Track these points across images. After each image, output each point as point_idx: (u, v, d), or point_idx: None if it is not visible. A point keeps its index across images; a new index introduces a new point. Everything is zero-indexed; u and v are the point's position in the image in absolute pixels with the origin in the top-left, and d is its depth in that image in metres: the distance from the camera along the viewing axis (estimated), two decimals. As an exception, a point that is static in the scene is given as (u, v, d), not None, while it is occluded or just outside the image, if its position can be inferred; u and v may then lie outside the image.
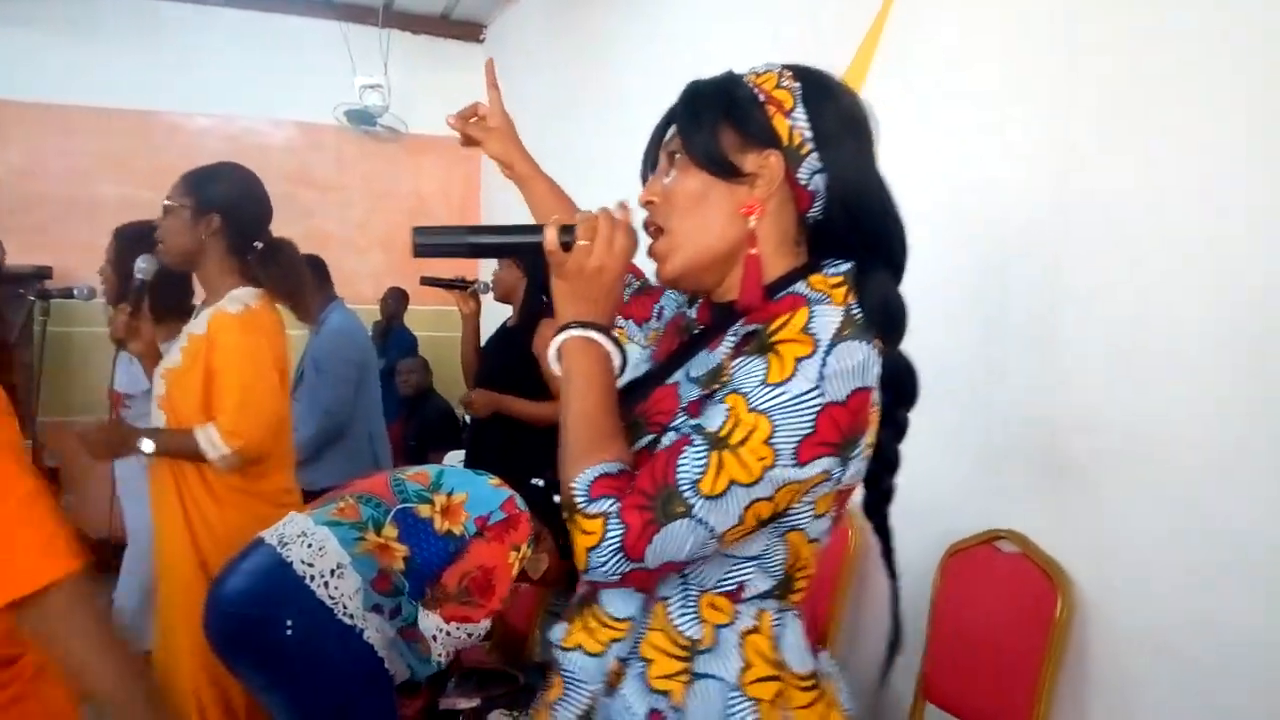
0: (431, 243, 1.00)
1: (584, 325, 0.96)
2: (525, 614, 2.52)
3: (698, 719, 0.92)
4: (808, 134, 0.97)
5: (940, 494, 2.28)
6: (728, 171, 0.97)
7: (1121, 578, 1.82)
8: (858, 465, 0.96)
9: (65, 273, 4.69)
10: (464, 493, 1.83)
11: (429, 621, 1.75)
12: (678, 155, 1.00)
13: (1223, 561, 1.63)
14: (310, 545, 1.51)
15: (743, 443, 0.85)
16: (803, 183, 0.98)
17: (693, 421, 0.90)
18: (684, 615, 0.95)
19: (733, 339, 0.98)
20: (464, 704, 2.17)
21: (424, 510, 1.79)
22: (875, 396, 0.93)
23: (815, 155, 0.97)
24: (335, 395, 3.15)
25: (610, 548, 0.86)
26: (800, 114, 0.97)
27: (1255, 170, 1.60)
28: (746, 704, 0.92)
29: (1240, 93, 1.62)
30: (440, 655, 1.77)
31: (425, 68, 5.96)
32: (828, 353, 0.87)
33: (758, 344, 0.91)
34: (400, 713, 1.76)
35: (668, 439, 0.91)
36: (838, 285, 0.95)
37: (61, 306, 4.33)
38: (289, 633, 1.36)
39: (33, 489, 1.00)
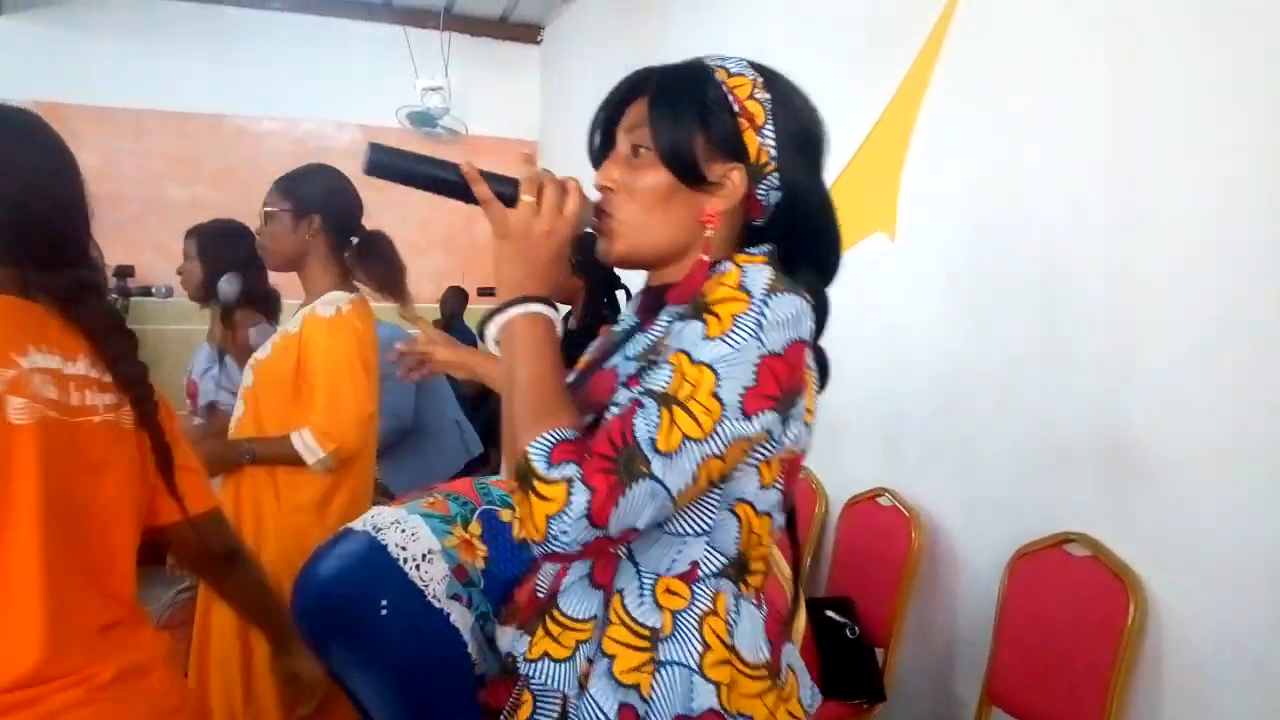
0: (386, 161, 0.93)
1: (525, 302, 0.92)
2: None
3: (665, 708, 0.91)
4: (773, 152, 0.98)
5: (1009, 496, 2.26)
6: (695, 180, 0.96)
7: (1195, 583, 1.79)
8: (798, 428, 0.95)
9: (140, 271, 4.84)
10: None
11: (506, 638, 1.76)
12: (643, 149, 0.97)
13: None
14: (404, 531, 1.54)
15: (690, 397, 0.84)
16: (759, 197, 0.99)
17: (638, 390, 0.88)
18: (641, 604, 0.94)
19: (667, 319, 0.98)
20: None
21: (505, 515, 1.81)
22: (809, 356, 0.93)
23: (775, 174, 0.98)
24: (396, 398, 3.21)
25: (575, 513, 0.81)
26: (769, 130, 0.97)
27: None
28: (708, 687, 0.92)
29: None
30: None
31: (484, 69, 6.04)
32: (764, 304, 0.87)
33: (693, 307, 0.90)
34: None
35: (614, 409, 0.88)
36: (763, 265, 0.97)
37: (139, 304, 4.48)
38: (384, 612, 1.39)
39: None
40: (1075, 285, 2.06)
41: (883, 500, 2.61)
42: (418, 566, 1.50)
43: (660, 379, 0.86)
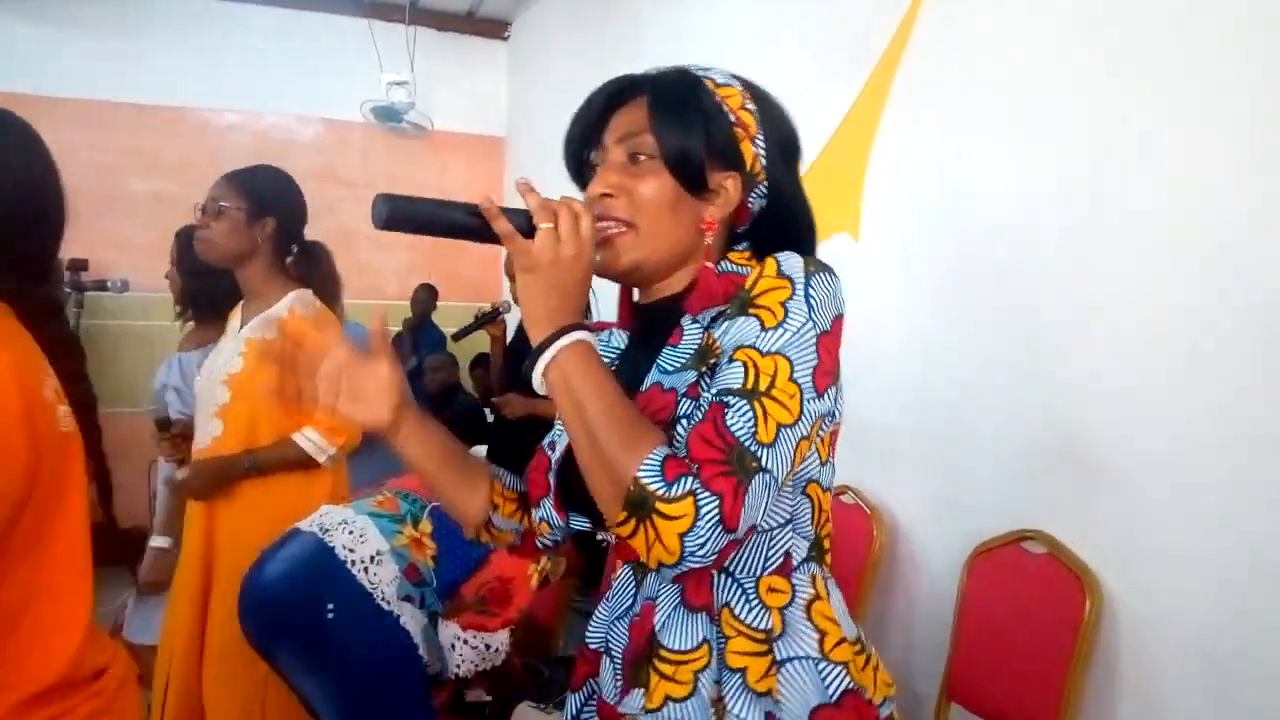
0: (404, 211, 0.88)
1: (566, 333, 0.89)
2: (549, 608, 2.54)
3: (799, 705, 0.91)
4: (764, 161, 1.00)
5: (968, 494, 2.28)
6: (699, 188, 0.98)
7: (1150, 579, 1.82)
8: (841, 401, 0.98)
9: (97, 266, 4.75)
10: None
11: (447, 632, 1.76)
12: (644, 157, 0.98)
13: (1251, 563, 1.63)
14: (351, 532, 1.53)
15: (772, 386, 0.86)
16: (749, 204, 1.02)
17: (711, 392, 0.89)
18: (750, 610, 0.94)
19: (696, 325, 0.99)
20: (490, 696, 2.19)
21: None
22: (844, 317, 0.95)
23: (765, 182, 1.01)
24: None
25: (709, 523, 0.80)
26: (760, 140, 1.00)
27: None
28: (837, 669, 0.93)
29: (1274, 96, 1.62)
30: (457, 668, 1.77)
31: (451, 65, 6.00)
32: (807, 286, 0.90)
33: (738, 306, 0.92)
34: (427, 704, 1.78)
35: (685, 422, 0.89)
36: (749, 258, 1.01)
37: (95, 299, 4.40)
38: (330, 616, 1.38)
39: None
40: (1037, 287, 2.09)
41: (846, 498, 2.63)
42: (366, 569, 1.49)
43: (735, 378, 0.87)
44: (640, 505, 0.82)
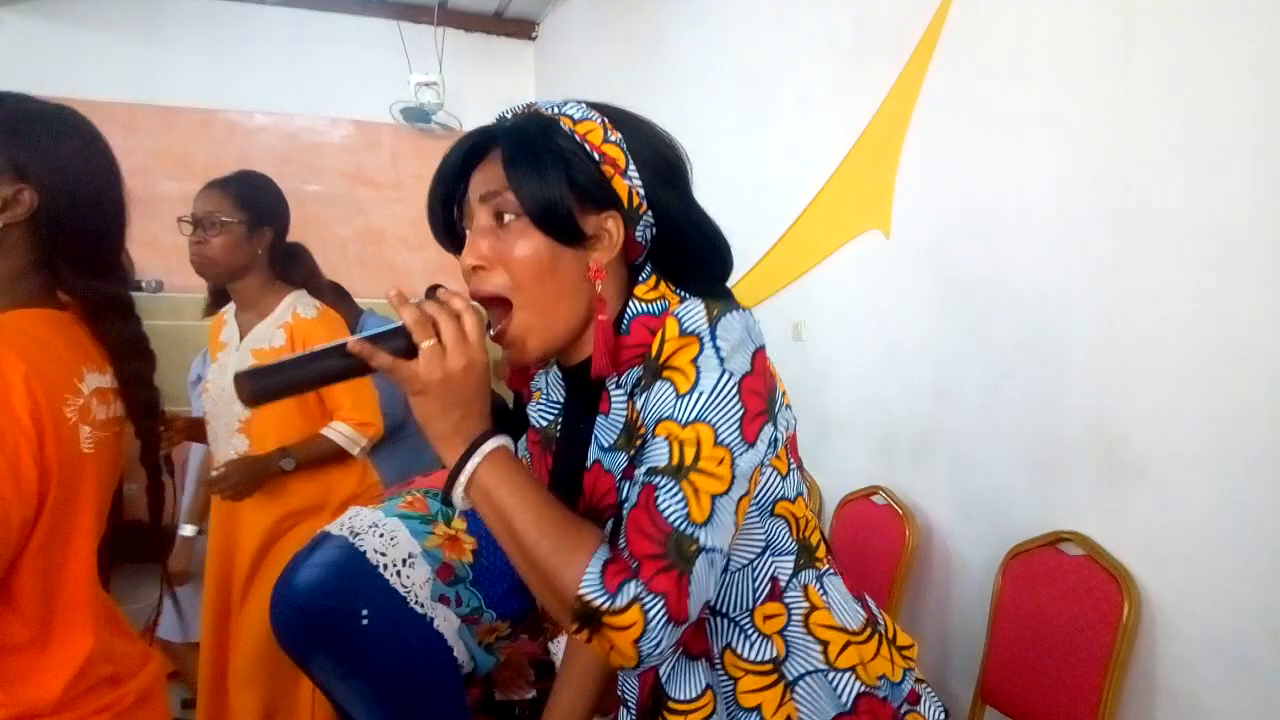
0: (269, 384, 0.84)
1: (478, 446, 0.85)
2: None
3: (818, 717, 0.93)
4: (642, 192, 0.93)
5: (1002, 495, 2.25)
6: (574, 238, 0.90)
7: (1189, 581, 1.78)
8: (786, 416, 0.95)
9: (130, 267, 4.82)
10: None
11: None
12: (509, 216, 0.90)
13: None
14: (382, 535, 1.51)
15: (698, 458, 0.82)
16: (637, 239, 0.96)
17: (641, 471, 0.84)
18: (752, 646, 0.94)
19: (621, 392, 0.94)
20: (520, 695, 2.19)
21: None
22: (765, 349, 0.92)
23: (649, 213, 0.95)
24: (385, 396, 3.19)
25: (658, 625, 0.78)
26: (633, 172, 0.93)
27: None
28: (846, 675, 0.94)
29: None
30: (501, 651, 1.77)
31: (478, 65, 6.02)
32: (714, 336, 0.85)
33: (650, 374, 0.87)
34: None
35: (625, 510, 0.85)
36: (654, 286, 0.95)
37: (127, 300, 4.45)
38: (365, 622, 1.37)
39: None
40: (1071, 285, 2.05)
41: (877, 499, 2.61)
42: (399, 572, 1.47)
43: (660, 455, 0.83)
44: (589, 619, 0.80)
